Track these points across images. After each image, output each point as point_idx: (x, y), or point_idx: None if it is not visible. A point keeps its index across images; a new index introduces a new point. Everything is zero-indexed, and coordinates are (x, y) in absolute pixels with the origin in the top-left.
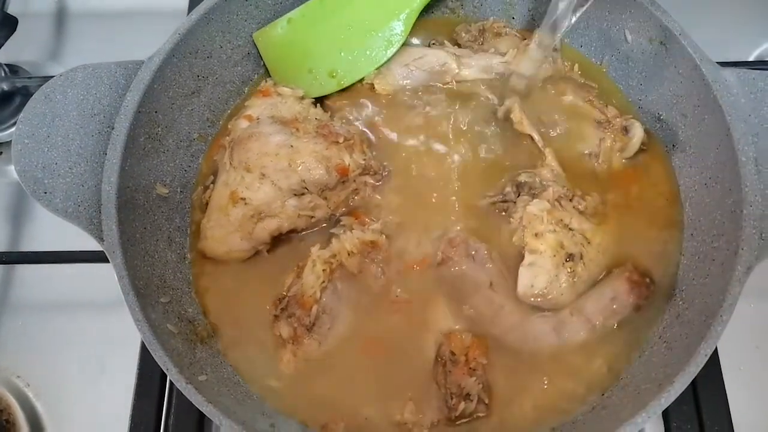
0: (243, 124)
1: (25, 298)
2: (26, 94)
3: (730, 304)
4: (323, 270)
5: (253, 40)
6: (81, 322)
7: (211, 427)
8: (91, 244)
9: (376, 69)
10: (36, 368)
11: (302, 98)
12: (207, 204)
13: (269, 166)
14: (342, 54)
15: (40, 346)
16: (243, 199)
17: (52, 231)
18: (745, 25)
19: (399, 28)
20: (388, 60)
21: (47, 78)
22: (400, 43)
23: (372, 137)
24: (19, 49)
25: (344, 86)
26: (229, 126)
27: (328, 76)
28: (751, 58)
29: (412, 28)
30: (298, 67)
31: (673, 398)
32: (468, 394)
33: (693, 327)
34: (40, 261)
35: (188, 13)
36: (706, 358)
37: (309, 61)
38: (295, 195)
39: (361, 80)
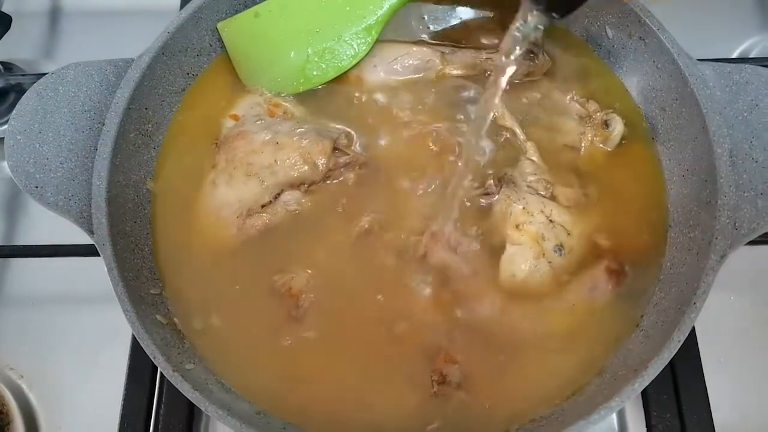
0: (230, 123)
1: (18, 291)
2: (20, 91)
3: (704, 291)
4: (313, 262)
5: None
6: (74, 315)
7: (201, 415)
8: (85, 238)
9: (356, 65)
10: (29, 360)
11: (285, 95)
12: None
13: (255, 164)
14: (310, 53)
15: (34, 339)
16: (230, 196)
17: (47, 225)
18: (727, 23)
19: (367, 33)
20: (368, 56)
21: (41, 75)
22: (369, 46)
23: (355, 132)
24: (13, 47)
25: (312, 87)
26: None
27: (295, 76)
28: (734, 56)
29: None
30: (264, 64)
31: (646, 383)
32: (450, 382)
33: (669, 315)
34: (34, 254)
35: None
36: (680, 344)
37: (276, 57)
38: (282, 191)
39: (345, 75)
